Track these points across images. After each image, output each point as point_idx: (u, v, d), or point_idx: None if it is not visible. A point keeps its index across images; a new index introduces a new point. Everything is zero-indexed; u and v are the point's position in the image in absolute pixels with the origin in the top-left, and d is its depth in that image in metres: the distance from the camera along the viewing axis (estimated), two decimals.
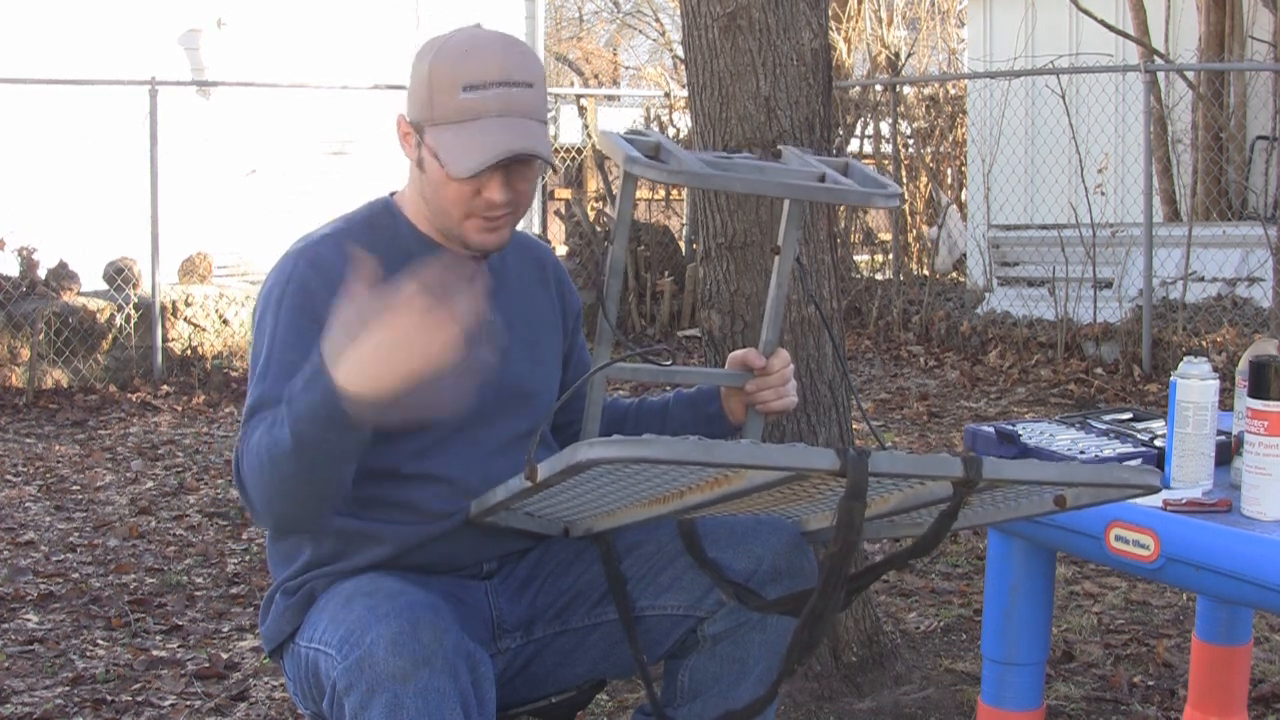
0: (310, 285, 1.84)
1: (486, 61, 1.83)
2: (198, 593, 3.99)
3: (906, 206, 10.17)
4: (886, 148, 10.51)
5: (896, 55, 11.59)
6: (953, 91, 11.11)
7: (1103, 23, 8.79)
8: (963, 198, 10.81)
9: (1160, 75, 8.68)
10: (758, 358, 2.03)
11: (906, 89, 10.84)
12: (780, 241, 2.01)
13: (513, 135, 1.83)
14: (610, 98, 14.70)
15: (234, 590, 4.01)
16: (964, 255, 10.41)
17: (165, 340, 7.72)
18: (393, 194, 2.00)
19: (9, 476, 5.54)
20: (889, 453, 1.51)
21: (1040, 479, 1.58)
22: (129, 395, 7.30)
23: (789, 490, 1.68)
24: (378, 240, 1.91)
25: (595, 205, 10.50)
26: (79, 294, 7.65)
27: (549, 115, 11.61)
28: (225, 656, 3.44)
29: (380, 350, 1.60)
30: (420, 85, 1.86)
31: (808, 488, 1.68)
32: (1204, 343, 7.28)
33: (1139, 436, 2.21)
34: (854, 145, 10.75)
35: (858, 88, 10.73)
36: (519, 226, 2.02)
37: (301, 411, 1.65)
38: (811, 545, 1.97)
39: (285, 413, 1.67)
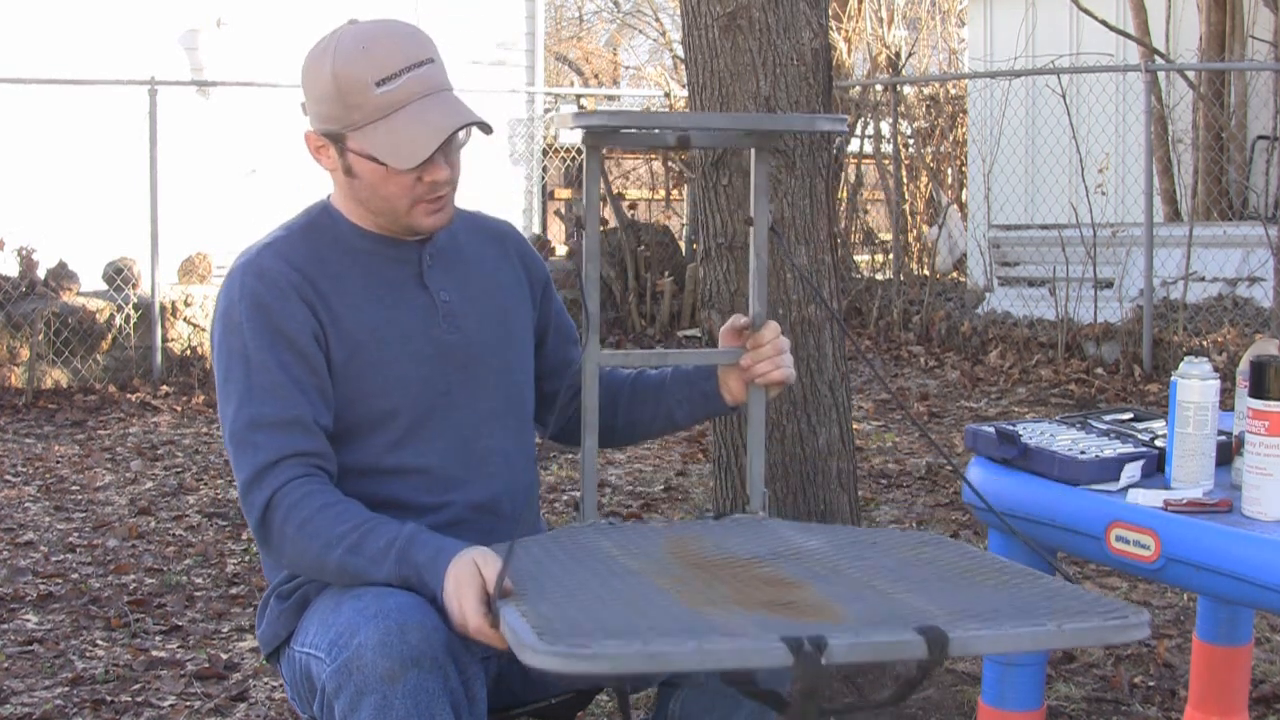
0: (262, 299, 1.84)
1: (388, 51, 1.83)
2: (197, 593, 3.98)
3: (906, 206, 10.17)
4: (886, 148, 10.51)
5: (897, 55, 11.58)
6: (953, 91, 11.10)
7: (1103, 22, 8.79)
8: (963, 198, 10.81)
9: (1161, 75, 8.67)
10: (743, 318, 2.02)
11: (907, 89, 10.83)
12: (752, 212, 2.01)
13: (444, 112, 1.83)
14: (610, 98, 14.69)
15: (233, 590, 4.01)
16: (964, 255, 10.41)
17: (165, 340, 7.72)
18: (329, 196, 2.00)
19: (9, 476, 5.54)
20: (847, 641, 1.38)
21: (1015, 649, 1.50)
22: (128, 395, 7.30)
23: None
24: (319, 242, 1.92)
25: None
26: (78, 294, 7.65)
27: (549, 114, 11.50)
28: (225, 657, 3.44)
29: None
30: (326, 95, 1.84)
31: None
32: (1205, 343, 7.28)
33: (1139, 436, 2.21)
34: (854, 145, 10.76)
35: (858, 88, 10.73)
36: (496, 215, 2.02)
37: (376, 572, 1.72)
38: None
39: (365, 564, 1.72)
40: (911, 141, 10.78)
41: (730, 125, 2.13)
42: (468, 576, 1.62)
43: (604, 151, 1.95)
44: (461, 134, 1.88)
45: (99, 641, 3.57)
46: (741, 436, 2.90)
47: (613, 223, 9.94)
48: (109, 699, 3.17)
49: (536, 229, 11.23)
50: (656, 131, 2.00)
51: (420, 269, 1.95)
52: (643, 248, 9.50)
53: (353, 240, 1.94)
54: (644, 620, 1.48)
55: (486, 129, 1.88)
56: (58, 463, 5.80)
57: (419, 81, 1.83)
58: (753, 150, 2.00)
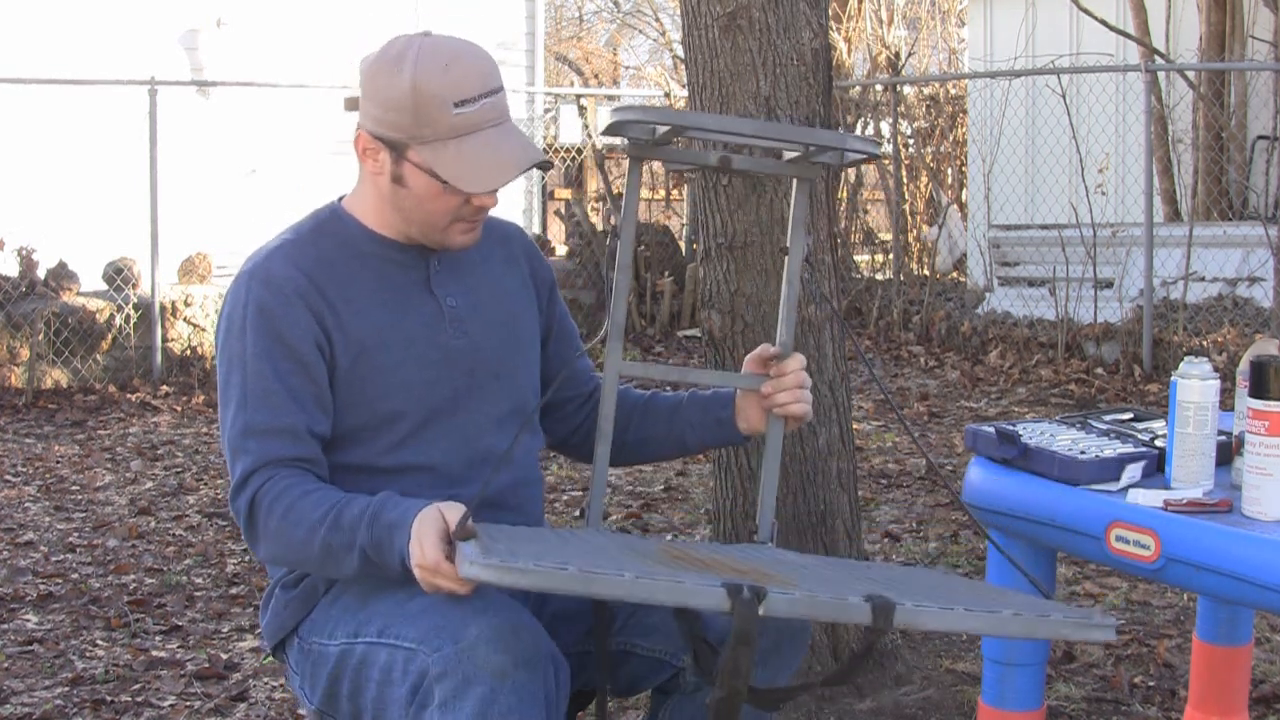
0: (267, 305, 1.85)
1: (468, 73, 1.84)
2: (197, 593, 3.99)
3: (906, 206, 10.17)
4: (887, 148, 10.51)
5: (896, 55, 11.58)
6: (953, 91, 11.10)
7: (1103, 22, 8.79)
8: (963, 198, 10.81)
9: (1161, 75, 8.67)
10: (771, 348, 2.03)
11: (907, 89, 10.83)
12: (789, 242, 2.01)
13: (515, 145, 1.86)
14: (610, 98, 14.69)
15: (234, 590, 4.01)
16: (964, 255, 10.41)
17: (165, 340, 7.72)
18: (340, 198, 2.00)
19: (9, 476, 5.54)
20: (787, 595, 1.41)
21: (963, 629, 1.51)
22: (128, 395, 7.30)
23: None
24: (327, 245, 1.92)
25: (595, 205, 10.50)
26: (78, 294, 7.65)
27: (549, 115, 11.49)
28: (225, 657, 3.44)
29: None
30: (399, 105, 1.83)
31: None
32: (1205, 343, 7.28)
33: (1139, 436, 2.21)
34: None
35: (858, 88, 10.73)
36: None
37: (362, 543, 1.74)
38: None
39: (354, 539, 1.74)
40: (911, 141, 10.78)
41: (774, 134, 2.09)
42: (430, 520, 1.66)
43: (607, 154, 1.96)
44: None
45: (99, 641, 3.58)
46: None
47: (614, 222, 9.94)
48: (109, 699, 3.17)
49: (536, 229, 11.23)
50: (699, 148, 2.00)
51: (428, 274, 1.96)
52: (643, 248, 9.50)
53: (362, 244, 1.94)
54: (590, 559, 1.53)
55: (548, 167, 1.92)
56: (58, 463, 5.80)
57: (493, 109, 1.85)
58: (794, 181, 2.01)
